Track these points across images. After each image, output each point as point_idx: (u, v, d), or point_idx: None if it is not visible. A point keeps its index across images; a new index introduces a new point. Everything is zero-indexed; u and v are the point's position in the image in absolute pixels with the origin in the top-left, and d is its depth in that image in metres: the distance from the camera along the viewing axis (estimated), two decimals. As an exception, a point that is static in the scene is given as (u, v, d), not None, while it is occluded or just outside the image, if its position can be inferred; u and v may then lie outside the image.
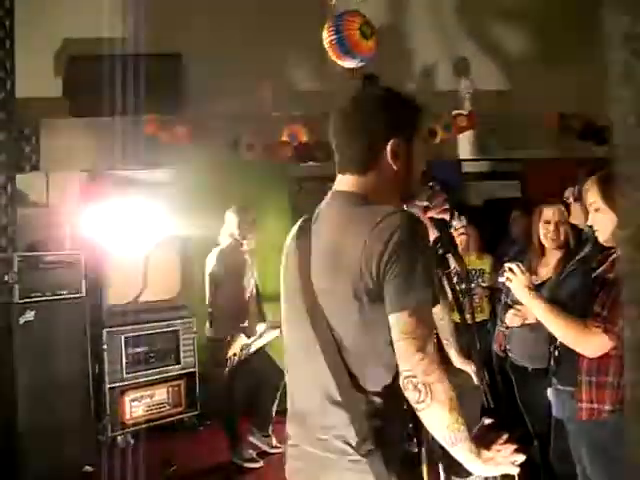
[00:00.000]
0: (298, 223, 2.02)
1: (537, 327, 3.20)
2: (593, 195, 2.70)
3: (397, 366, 1.72)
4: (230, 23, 6.34)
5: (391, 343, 1.71)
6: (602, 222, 2.68)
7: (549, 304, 2.76)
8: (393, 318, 1.70)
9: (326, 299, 1.79)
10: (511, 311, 3.96)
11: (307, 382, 1.86)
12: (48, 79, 6.47)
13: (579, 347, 2.65)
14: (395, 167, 1.86)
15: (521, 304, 3.79)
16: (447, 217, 2.00)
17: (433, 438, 1.73)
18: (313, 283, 1.82)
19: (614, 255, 2.70)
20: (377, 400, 1.76)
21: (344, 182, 1.92)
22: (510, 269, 2.89)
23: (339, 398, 1.76)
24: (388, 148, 1.85)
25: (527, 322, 3.79)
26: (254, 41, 6.34)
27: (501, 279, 2.97)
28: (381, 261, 1.69)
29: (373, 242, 1.70)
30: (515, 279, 2.87)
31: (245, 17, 6.35)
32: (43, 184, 6.42)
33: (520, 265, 2.91)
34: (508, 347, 4.20)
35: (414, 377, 1.66)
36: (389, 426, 1.76)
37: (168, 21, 6.30)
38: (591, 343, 2.59)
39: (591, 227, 2.80)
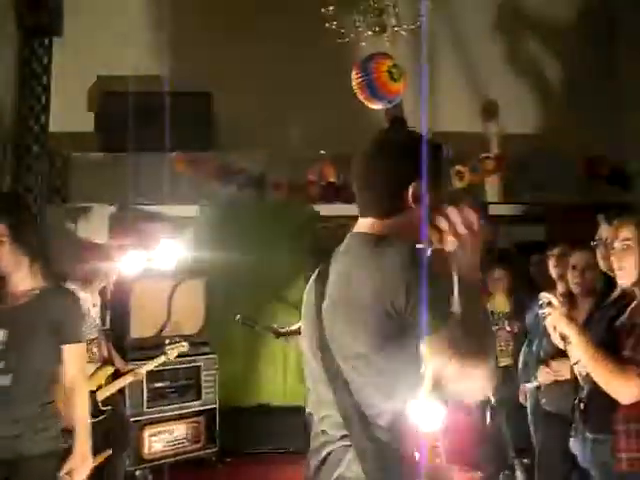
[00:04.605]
0: (320, 266, 2.02)
1: (569, 384, 3.14)
2: (628, 232, 2.63)
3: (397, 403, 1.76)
4: (261, 65, 6.44)
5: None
6: (629, 262, 2.62)
7: (590, 340, 2.66)
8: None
9: (337, 336, 1.80)
10: (542, 368, 3.92)
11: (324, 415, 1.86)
12: (81, 114, 6.60)
13: (614, 390, 2.54)
14: (416, 211, 1.85)
15: (554, 358, 3.75)
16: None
17: None
18: (323, 320, 1.83)
19: (638, 299, 2.64)
20: (384, 437, 1.75)
21: (363, 224, 1.92)
22: (549, 302, 2.78)
23: (347, 432, 1.76)
24: (409, 192, 1.85)
25: (559, 379, 3.75)
26: (283, 83, 6.43)
27: (541, 311, 2.84)
28: (396, 297, 1.68)
29: (385, 280, 1.70)
30: (554, 312, 2.76)
31: (275, 61, 6.45)
32: (72, 217, 6.50)
33: (555, 297, 2.81)
34: (542, 400, 4.15)
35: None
36: (394, 466, 1.74)
37: (200, 61, 6.42)
38: (627, 387, 2.50)
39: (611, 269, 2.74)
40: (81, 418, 3.05)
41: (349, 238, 1.95)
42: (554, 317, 2.73)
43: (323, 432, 1.85)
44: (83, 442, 2.99)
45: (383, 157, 1.92)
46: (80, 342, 3.11)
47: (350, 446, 1.76)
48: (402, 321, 1.69)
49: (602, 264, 3.17)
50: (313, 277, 2.00)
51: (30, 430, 2.84)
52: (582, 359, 2.67)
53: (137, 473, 5.57)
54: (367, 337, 1.73)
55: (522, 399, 4.60)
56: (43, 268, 3.02)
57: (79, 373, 3.09)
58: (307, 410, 1.99)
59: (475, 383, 1.66)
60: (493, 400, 3.08)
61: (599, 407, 2.67)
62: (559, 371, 3.76)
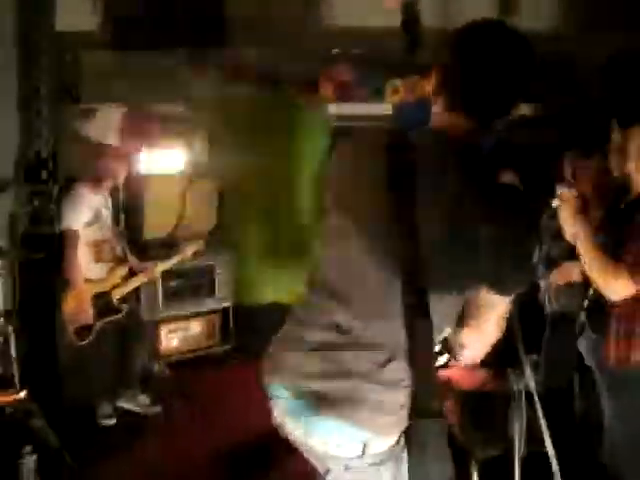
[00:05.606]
0: (384, 134, 1.87)
1: (579, 284, 3.16)
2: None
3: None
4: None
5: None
6: None
7: (592, 237, 2.66)
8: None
9: (425, 241, 1.71)
10: (553, 268, 3.94)
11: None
12: (89, 11, 6.43)
13: (604, 286, 2.59)
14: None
15: (566, 259, 3.76)
16: None
17: None
18: (414, 219, 1.71)
19: None
20: None
21: (454, 122, 1.79)
22: (561, 194, 2.78)
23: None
24: (515, 100, 1.85)
25: (571, 280, 3.76)
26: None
27: (554, 204, 2.83)
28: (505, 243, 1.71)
29: (503, 226, 1.69)
30: (565, 205, 2.75)
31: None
32: (82, 117, 6.44)
33: (572, 190, 2.79)
34: (552, 300, 4.18)
35: None
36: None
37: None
38: (616, 285, 2.54)
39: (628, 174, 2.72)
40: None
41: (442, 138, 1.79)
42: (564, 209, 2.73)
43: (370, 344, 1.83)
44: None
45: (520, 56, 1.78)
46: None
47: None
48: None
49: (616, 169, 3.14)
50: (381, 143, 1.83)
51: None
52: (581, 252, 2.69)
53: (155, 368, 5.74)
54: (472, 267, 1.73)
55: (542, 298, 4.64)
56: None
57: None
58: (310, 295, 2.04)
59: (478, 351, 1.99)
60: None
61: (602, 308, 2.71)
62: (569, 272, 3.78)
